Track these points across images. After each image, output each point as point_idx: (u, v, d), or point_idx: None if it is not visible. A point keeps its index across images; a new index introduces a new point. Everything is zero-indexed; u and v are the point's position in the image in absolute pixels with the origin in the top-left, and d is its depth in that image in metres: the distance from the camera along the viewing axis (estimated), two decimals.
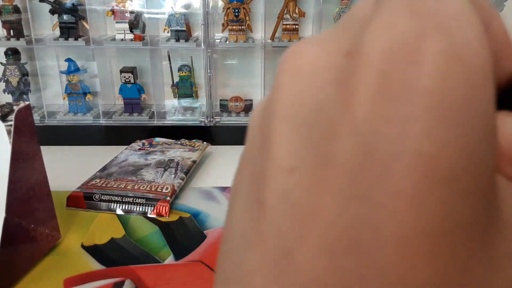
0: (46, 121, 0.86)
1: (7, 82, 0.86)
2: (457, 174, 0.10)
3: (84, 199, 0.62)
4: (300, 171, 0.11)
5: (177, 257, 0.52)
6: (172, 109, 0.91)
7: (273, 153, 0.12)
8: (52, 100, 0.91)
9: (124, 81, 0.87)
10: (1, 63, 0.86)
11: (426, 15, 0.11)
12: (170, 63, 0.89)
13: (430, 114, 0.10)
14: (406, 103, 0.10)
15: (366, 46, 0.11)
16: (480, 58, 0.11)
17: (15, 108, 0.48)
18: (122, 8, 0.84)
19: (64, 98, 0.88)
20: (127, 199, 0.62)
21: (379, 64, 0.11)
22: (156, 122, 0.88)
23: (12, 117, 0.50)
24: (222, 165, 0.79)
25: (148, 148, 0.79)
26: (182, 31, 0.85)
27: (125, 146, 0.81)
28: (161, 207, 0.61)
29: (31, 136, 0.50)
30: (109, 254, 0.53)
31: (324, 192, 0.11)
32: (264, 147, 0.12)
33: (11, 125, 0.49)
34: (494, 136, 0.11)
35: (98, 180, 0.66)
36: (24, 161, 0.49)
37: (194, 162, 0.74)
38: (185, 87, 0.90)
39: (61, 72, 0.88)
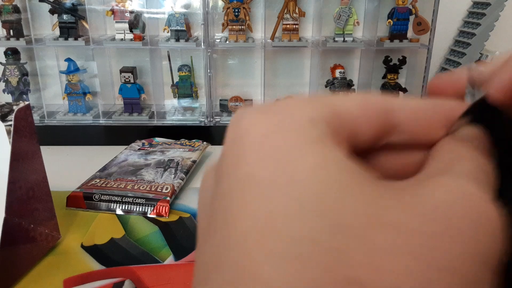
0: (45, 121, 0.86)
1: (7, 82, 0.86)
2: None
3: (84, 199, 0.62)
4: None
5: (177, 257, 0.52)
6: (172, 109, 0.91)
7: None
8: (51, 100, 0.91)
9: (124, 81, 0.87)
10: (1, 63, 0.86)
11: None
12: (170, 63, 0.89)
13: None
14: None
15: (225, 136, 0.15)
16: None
17: (15, 108, 0.48)
18: (122, 8, 0.83)
19: (64, 98, 0.88)
20: (127, 199, 0.62)
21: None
22: (156, 122, 0.88)
23: (11, 117, 0.49)
24: None
25: (148, 148, 0.79)
26: (182, 31, 0.85)
27: (125, 146, 0.80)
28: (161, 207, 0.61)
29: (31, 136, 0.50)
30: (109, 254, 0.53)
31: None
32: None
33: (10, 125, 0.48)
34: None
35: (98, 180, 0.66)
36: (24, 161, 0.49)
37: (194, 162, 0.74)
38: (185, 87, 0.90)
39: (61, 72, 0.88)
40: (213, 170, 0.16)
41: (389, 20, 0.86)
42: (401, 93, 0.92)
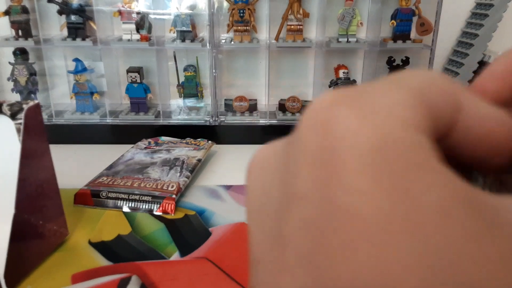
0: (53, 120, 0.88)
1: (16, 81, 0.88)
2: None
3: (91, 197, 0.63)
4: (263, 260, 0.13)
5: (183, 253, 0.53)
6: (178, 108, 0.92)
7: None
8: (59, 99, 0.92)
9: (130, 81, 0.88)
10: (10, 63, 0.87)
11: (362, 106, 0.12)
12: (176, 63, 0.90)
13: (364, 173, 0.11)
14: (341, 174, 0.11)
15: (301, 136, 0.12)
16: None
17: (25, 106, 0.49)
18: (129, 9, 0.85)
19: (71, 98, 0.89)
20: (133, 197, 0.63)
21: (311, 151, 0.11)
22: (161, 121, 0.89)
23: (21, 115, 0.51)
24: (227, 163, 0.80)
25: (154, 147, 0.80)
26: (188, 32, 0.86)
27: (131, 145, 0.82)
28: (167, 205, 0.62)
29: (40, 134, 0.51)
30: (116, 250, 0.54)
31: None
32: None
33: (20, 123, 0.50)
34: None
35: (105, 178, 0.67)
36: (33, 158, 0.50)
37: (199, 160, 0.75)
38: (190, 87, 0.91)
39: (69, 72, 0.89)
40: (275, 171, 0.13)
41: (393, 21, 0.87)
42: None
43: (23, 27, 0.85)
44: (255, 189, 0.14)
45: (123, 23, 0.85)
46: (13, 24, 0.85)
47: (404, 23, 0.86)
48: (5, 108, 0.52)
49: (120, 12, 0.85)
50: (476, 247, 0.10)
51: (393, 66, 0.90)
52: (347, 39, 0.87)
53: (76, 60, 0.87)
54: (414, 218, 0.10)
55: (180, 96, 0.92)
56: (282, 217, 0.12)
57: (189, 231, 0.58)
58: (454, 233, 0.10)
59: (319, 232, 0.11)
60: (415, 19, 0.87)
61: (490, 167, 0.14)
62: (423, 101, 0.12)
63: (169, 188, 0.65)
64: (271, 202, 0.13)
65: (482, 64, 0.86)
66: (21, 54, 0.87)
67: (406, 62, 0.90)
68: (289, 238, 0.11)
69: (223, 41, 0.88)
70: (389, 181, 0.10)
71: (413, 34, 0.88)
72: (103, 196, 0.63)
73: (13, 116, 0.53)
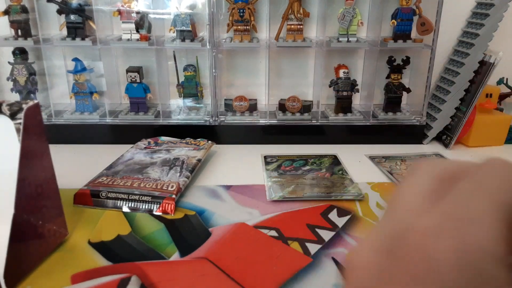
0: (53, 120, 0.87)
1: (15, 81, 0.88)
2: None
3: (91, 197, 0.63)
4: None
5: (183, 253, 0.53)
6: (177, 108, 0.92)
7: None
8: (59, 99, 0.92)
9: (130, 81, 0.88)
10: (9, 63, 0.87)
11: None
12: (175, 63, 0.90)
13: None
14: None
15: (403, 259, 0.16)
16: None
17: (24, 106, 0.49)
18: (128, 8, 0.84)
19: (71, 97, 0.89)
20: (133, 197, 0.62)
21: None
22: (161, 121, 0.88)
23: (21, 115, 0.50)
24: (227, 163, 0.80)
25: (154, 147, 0.80)
26: (187, 31, 0.85)
27: (131, 145, 0.81)
28: (166, 205, 0.62)
29: (40, 134, 0.50)
30: (116, 251, 0.53)
31: None
32: None
33: (20, 123, 0.49)
34: None
35: (105, 178, 0.67)
36: (33, 158, 0.49)
37: (199, 160, 0.75)
38: (190, 87, 0.91)
39: (68, 72, 0.89)
40: (376, 271, 0.16)
41: (393, 20, 0.87)
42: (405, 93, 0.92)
43: (22, 26, 0.85)
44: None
45: (123, 22, 0.85)
46: (13, 23, 0.85)
47: (405, 23, 0.86)
48: (4, 108, 0.52)
49: (119, 12, 0.84)
50: None
51: (393, 65, 0.90)
52: (348, 39, 0.87)
53: (76, 59, 0.87)
54: None
55: (180, 96, 0.92)
56: None
57: (189, 231, 0.58)
58: None
59: None
60: (415, 18, 0.86)
61: None
62: (506, 219, 0.15)
63: (169, 188, 0.64)
64: None
65: (482, 63, 0.86)
66: (20, 53, 0.87)
67: (406, 61, 0.90)
68: None
69: (223, 40, 0.88)
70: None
71: (413, 33, 0.88)
72: (102, 196, 0.63)
73: (12, 116, 0.52)
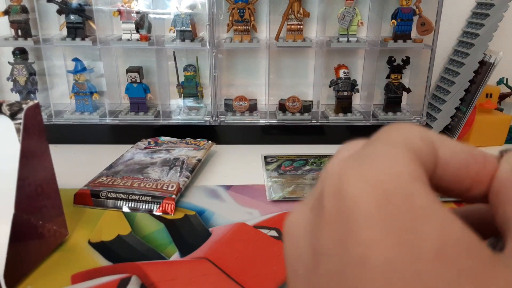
0: (53, 120, 0.87)
1: (15, 81, 0.87)
2: None
3: (91, 197, 0.63)
4: None
5: (183, 253, 0.53)
6: (177, 108, 0.92)
7: None
8: (59, 99, 0.92)
9: (130, 81, 0.88)
10: (9, 63, 0.87)
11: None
12: (175, 63, 0.90)
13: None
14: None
15: (321, 203, 0.14)
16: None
17: (24, 106, 0.49)
18: (128, 8, 0.84)
19: (71, 97, 0.89)
20: (133, 197, 0.62)
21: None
22: (161, 121, 0.88)
23: (21, 115, 0.50)
24: (227, 164, 0.80)
25: (154, 147, 0.80)
26: (187, 31, 0.85)
27: (131, 145, 0.81)
28: (166, 205, 0.62)
29: (40, 134, 0.50)
30: (116, 251, 0.54)
31: None
32: None
33: (20, 123, 0.49)
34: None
35: (105, 178, 0.67)
36: (33, 158, 0.50)
37: (199, 160, 0.75)
38: (190, 87, 0.91)
39: (68, 72, 0.89)
40: (307, 225, 0.15)
41: (393, 20, 0.87)
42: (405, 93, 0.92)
43: (22, 26, 0.85)
44: (290, 250, 0.16)
45: (123, 22, 0.85)
46: (13, 23, 0.85)
47: (405, 23, 0.86)
48: (4, 108, 0.52)
49: (119, 12, 0.84)
50: (471, 281, 0.11)
51: (393, 66, 0.90)
52: (348, 39, 0.87)
53: (76, 59, 0.87)
54: (414, 265, 0.12)
55: (180, 96, 0.92)
56: (311, 270, 0.14)
57: (189, 231, 0.58)
58: (449, 272, 0.12)
59: (339, 279, 0.13)
60: (415, 18, 0.86)
61: (471, 198, 0.16)
62: (412, 153, 0.14)
63: (169, 188, 0.64)
64: (302, 260, 0.15)
65: (482, 63, 0.86)
66: (20, 53, 0.87)
67: (406, 61, 0.90)
68: (320, 281, 0.14)
69: (223, 40, 0.88)
70: (393, 232, 0.12)
71: (413, 33, 0.88)
72: (102, 196, 0.63)
73: (12, 116, 0.52)
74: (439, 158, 0.16)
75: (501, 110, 0.94)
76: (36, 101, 0.50)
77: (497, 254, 0.13)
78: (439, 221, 0.12)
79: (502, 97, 0.94)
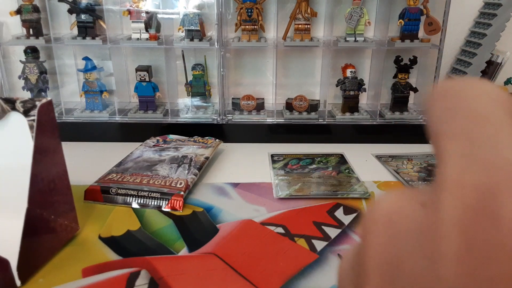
0: (63, 118, 0.89)
1: (26, 79, 0.89)
2: None
3: (101, 193, 0.64)
4: None
5: (191, 249, 0.54)
6: (186, 107, 0.93)
7: None
8: (69, 98, 0.93)
9: (139, 80, 0.89)
10: (21, 61, 0.88)
11: (496, 166, 0.11)
12: (184, 62, 0.91)
13: None
14: (492, 264, 0.10)
15: (442, 202, 0.12)
16: None
17: (38, 103, 0.50)
18: (137, 8, 0.86)
19: (81, 96, 0.91)
20: (142, 193, 0.64)
21: (459, 222, 0.11)
22: (170, 119, 0.89)
23: (34, 112, 0.52)
24: (234, 162, 0.81)
25: (162, 145, 0.81)
26: (196, 31, 0.86)
27: (140, 143, 0.83)
28: (175, 201, 0.63)
29: (53, 131, 0.52)
30: (126, 246, 0.55)
31: None
32: None
33: (33, 120, 0.51)
34: None
35: (115, 175, 0.68)
36: (46, 154, 0.51)
37: (206, 158, 0.75)
38: (198, 86, 0.92)
39: (79, 70, 0.90)
40: (412, 235, 0.13)
41: (400, 20, 0.87)
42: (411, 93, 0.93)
43: (34, 26, 0.87)
44: (381, 241, 0.14)
45: (132, 22, 0.86)
46: (24, 23, 0.86)
47: (412, 23, 0.86)
48: (18, 105, 0.53)
49: (129, 11, 0.86)
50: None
51: (400, 65, 0.90)
52: (355, 38, 0.88)
53: (86, 58, 0.88)
54: None
55: (188, 95, 0.93)
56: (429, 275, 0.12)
57: (197, 227, 0.59)
58: None
59: None
60: (423, 18, 0.87)
61: None
62: None
63: (177, 185, 0.65)
64: (405, 259, 0.13)
65: (490, 63, 0.86)
66: (32, 52, 0.88)
67: (413, 61, 0.90)
68: None
69: (231, 40, 0.89)
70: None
71: (421, 33, 0.88)
72: (112, 193, 0.64)
73: (26, 113, 0.54)
74: None
75: None
76: (49, 99, 0.51)
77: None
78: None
79: None
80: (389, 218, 0.14)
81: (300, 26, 0.88)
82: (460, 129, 0.13)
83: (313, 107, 0.91)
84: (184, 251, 0.54)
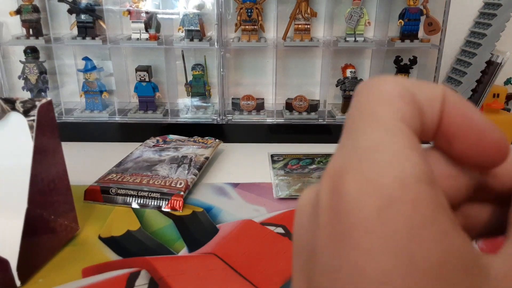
0: (63, 118, 0.89)
1: (26, 79, 0.89)
2: None
3: (101, 193, 0.64)
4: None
5: (191, 249, 0.54)
6: (185, 107, 0.93)
7: None
8: (69, 98, 0.93)
9: (139, 80, 0.89)
10: (21, 61, 0.88)
11: (349, 152, 0.14)
12: (184, 62, 0.91)
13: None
14: (345, 225, 0.13)
15: (320, 189, 0.14)
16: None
17: (37, 103, 0.50)
18: (137, 8, 0.86)
19: (81, 96, 0.91)
20: (142, 193, 0.64)
21: (326, 205, 0.13)
22: (169, 119, 0.89)
23: (34, 112, 0.52)
24: (234, 162, 0.81)
25: (162, 145, 0.81)
26: (196, 31, 0.86)
27: (140, 143, 0.82)
28: (175, 201, 0.63)
29: (52, 131, 0.52)
30: (126, 246, 0.55)
31: None
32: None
33: (33, 120, 0.51)
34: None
35: (114, 175, 0.68)
36: (46, 154, 0.51)
37: (206, 158, 0.75)
38: (198, 86, 0.92)
39: (79, 70, 0.90)
40: (309, 217, 0.15)
41: (400, 20, 0.87)
42: None
43: (34, 26, 0.87)
44: (294, 237, 0.16)
45: (132, 22, 0.86)
46: (24, 23, 0.86)
47: (412, 23, 0.86)
48: (18, 105, 0.53)
49: (129, 12, 0.86)
50: None
51: (400, 65, 0.90)
52: (355, 39, 0.88)
53: (86, 58, 0.88)
54: (410, 281, 0.11)
55: (188, 95, 0.93)
56: (310, 266, 0.14)
57: (197, 228, 0.59)
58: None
59: (334, 283, 0.12)
60: (423, 18, 0.87)
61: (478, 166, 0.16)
62: (410, 135, 0.14)
63: (177, 185, 0.65)
64: (303, 252, 0.15)
65: (490, 63, 0.86)
66: (31, 52, 0.88)
67: (413, 61, 0.90)
68: (315, 280, 0.13)
69: (231, 40, 0.89)
70: (393, 241, 0.12)
71: (421, 33, 0.88)
72: (112, 193, 0.64)
73: (25, 113, 0.54)
74: (444, 111, 0.15)
75: (508, 110, 0.94)
76: (49, 99, 0.51)
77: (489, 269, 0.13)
78: (440, 233, 0.12)
79: (509, 97, 0.94)
80: (299, 209, 0.16)
81: (300, 26, 0.88)
82: (348, 124, 0.14)
83: (313, 107, 0.91)
84: (184, 251, 0.54)
